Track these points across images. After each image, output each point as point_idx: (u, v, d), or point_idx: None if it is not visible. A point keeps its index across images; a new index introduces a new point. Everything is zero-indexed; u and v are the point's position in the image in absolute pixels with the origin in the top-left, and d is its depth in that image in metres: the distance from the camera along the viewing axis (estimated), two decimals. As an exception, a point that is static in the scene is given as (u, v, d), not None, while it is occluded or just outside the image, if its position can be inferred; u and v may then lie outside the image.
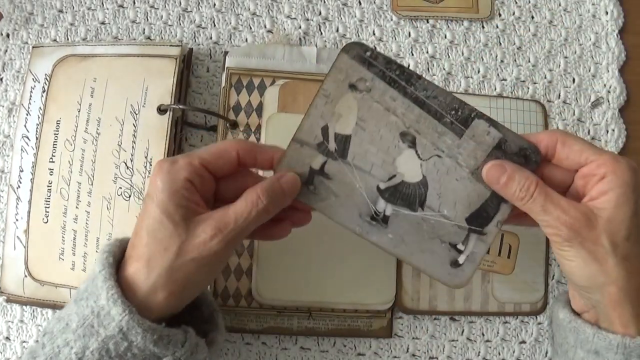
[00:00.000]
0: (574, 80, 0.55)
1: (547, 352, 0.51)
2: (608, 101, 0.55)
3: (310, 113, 0.39)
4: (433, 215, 0.40)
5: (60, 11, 0.53)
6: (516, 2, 0.56)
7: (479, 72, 0.54)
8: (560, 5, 0.56)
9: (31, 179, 0.48)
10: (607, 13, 0.56)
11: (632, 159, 0.53)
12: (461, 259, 0.40)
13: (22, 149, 0.49)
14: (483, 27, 0.55)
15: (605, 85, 0.55)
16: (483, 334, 0.51)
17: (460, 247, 0.40)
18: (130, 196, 0.48)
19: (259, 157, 0.39)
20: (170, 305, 0.36)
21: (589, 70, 0.55)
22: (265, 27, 0.54)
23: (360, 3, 0.55)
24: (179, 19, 0.53)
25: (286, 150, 0.39)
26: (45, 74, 0.50)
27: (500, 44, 0.55)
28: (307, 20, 0.54)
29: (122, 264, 0.36)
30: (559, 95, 0.55)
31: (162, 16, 0.53)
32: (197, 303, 0.41)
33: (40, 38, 0.53)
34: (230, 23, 0.54)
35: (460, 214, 0.39)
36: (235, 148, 0.38)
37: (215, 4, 0.54)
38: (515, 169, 0.38)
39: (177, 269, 0.35)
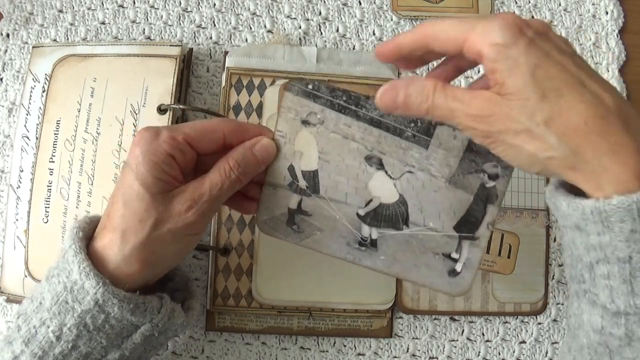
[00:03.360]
0: (574, 80, 0.55)
1: (547, 352, 0.51)
2: (608, 101, 0.55)
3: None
4: (420, 230, 0.39)
5: (60, 11, 0.53)
6: (516, 2, 0.56)
7: (479, 72, 0.54)
8: (560, 5, 0.56)
9: (31, 179, 0.48)
10: (607, 13, 0.56)
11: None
12: (458, 267, 0.39)
13: (22, 149, 0.49)
14: (483, 27, 0.55)
15: (605, 85, 0.55)
16: (483, 334, 0.51)
17: (455, 255, 0.39)
18: (130, 196, 0.47)
19: (245, 137, 0.38)
20: (144, 276, 0.36)
21: (589, 70, 0.55)
22: (265, 27, 0.54)
23: (360, 3, 0.55)
24: (179, 19, 0.53)
25: (261, 196, 0.39)
26: (45, 74, 0.50)
27: (500, 44, 0.55)
28: (307, 20, 0.54)
29: (95, 235, 0.37)
30: (559, 95, 0.55)
31: (162, 16, 0.53)
32: (170, 275, 0.42)
33: (40, 38, 0.53)
34: (230, 23, 0.54)
35: (447, 224, 0.39)
36: (221, 129, 0.38)
37: (215, 4, 0.54)
38: (407, 82, 0.33)
39: (153, 241, 0.35)
